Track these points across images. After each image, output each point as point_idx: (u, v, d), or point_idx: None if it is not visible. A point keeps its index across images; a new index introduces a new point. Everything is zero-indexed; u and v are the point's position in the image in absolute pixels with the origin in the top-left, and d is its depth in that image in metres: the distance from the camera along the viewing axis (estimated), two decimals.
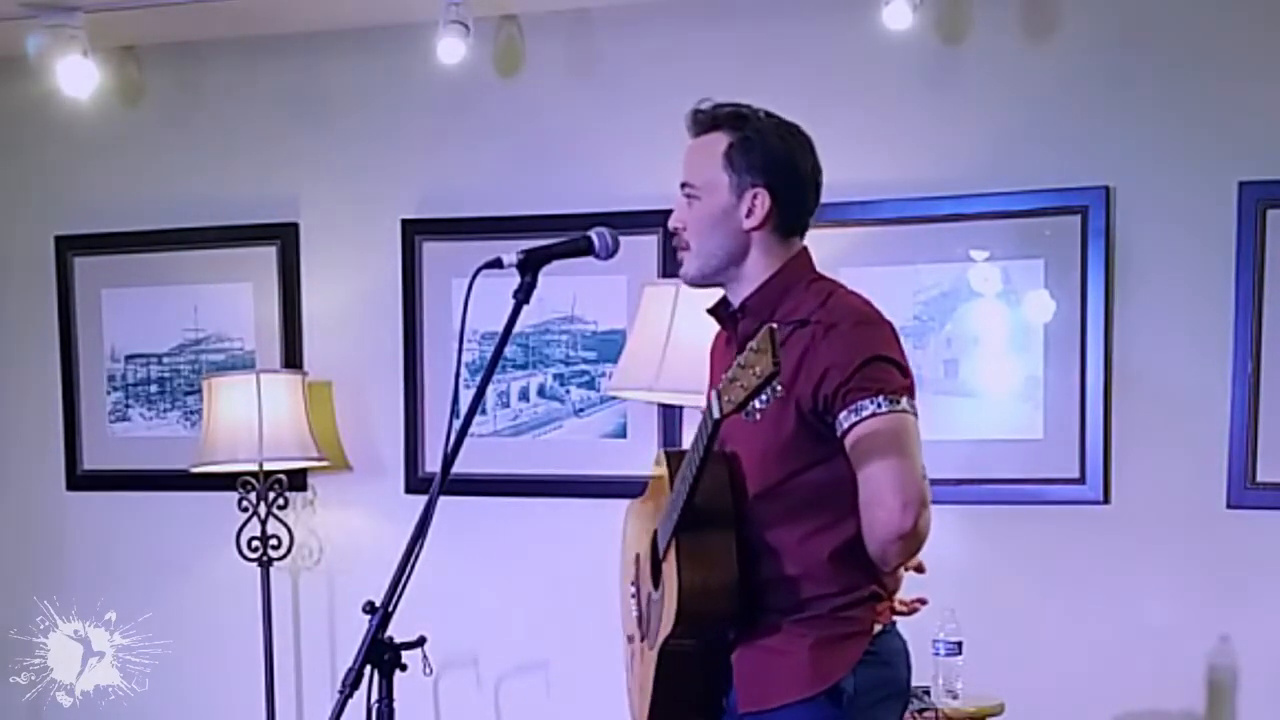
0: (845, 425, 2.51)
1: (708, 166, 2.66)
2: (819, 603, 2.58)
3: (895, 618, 2.68)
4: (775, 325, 2.25)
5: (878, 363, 2.52)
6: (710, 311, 2.78)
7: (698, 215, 2.67)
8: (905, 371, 2.57)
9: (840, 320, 2.55)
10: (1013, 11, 4.24)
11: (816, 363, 2.52)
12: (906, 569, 2.68)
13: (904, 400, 2.52)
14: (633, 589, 2.87)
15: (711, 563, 2.53)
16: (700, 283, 2.74)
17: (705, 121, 2.69)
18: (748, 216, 2.64)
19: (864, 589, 2.60)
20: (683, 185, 2.70)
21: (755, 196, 2.63)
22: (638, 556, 2.85)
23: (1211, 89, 4.08)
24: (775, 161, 2.64)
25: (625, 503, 4.54)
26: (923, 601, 2.77)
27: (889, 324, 2.61)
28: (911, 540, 2.50)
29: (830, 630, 2.57)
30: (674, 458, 2.66)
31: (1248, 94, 4.06)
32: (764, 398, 2.27)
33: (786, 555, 2.57)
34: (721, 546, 2.54)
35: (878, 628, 2.61)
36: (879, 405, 2.49)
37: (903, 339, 2.65)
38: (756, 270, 2.67)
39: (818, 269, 2.72)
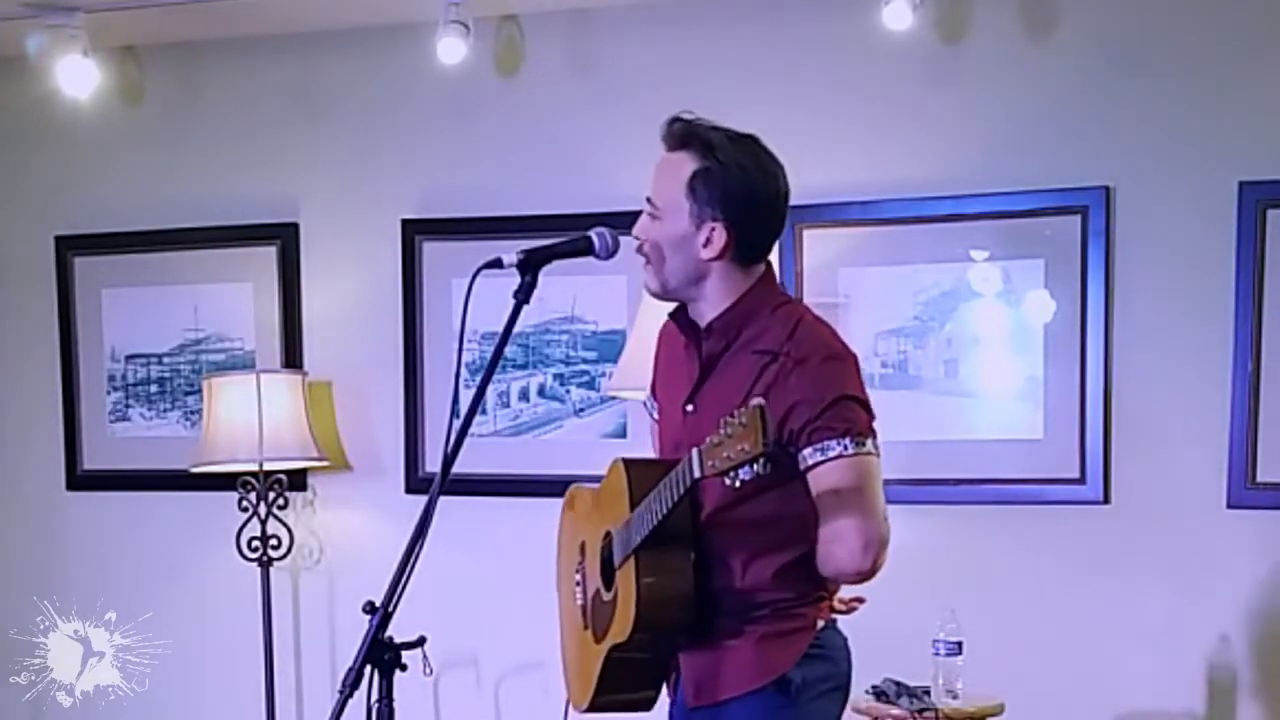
0: (810, 462, 2.55)
1: (671, 189, 2.66)
2: (766, 605, 2.64)
3: (834, 615, 2.74)
4: (764, 403, 2.27)
5: (846, 402, 2.56)
6: (672, 316, 2.80)
7: (657, 235, 2.69)
8: (869, 409, 2.61)
9: (809, 355, 2.58)
10: (1013, 11, 4.24)
11: (784, 397, 2.55)
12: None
13: (869, 442, 2.57)
14: (577, 575, 2.92)
15: (669, 581, 2.59)
16: (662, 297, 2.77)
17: (676, 137, 2.68)
18: (705, 246, 2.65)
19: (810, 594, 2.67)
20: (648, 199, 2.71)
21: (713, 229, 2.64)
22: (583, 544, 2.89)
23: (1211, 89, 4.08)
24: (736, 196, 2.63)
25: None
26: (860, 600, 2.82)
27: (854, 357, 2.66)
28: (867, 577, 2.57)
29: (775, 625, 2.64)
30: (635, 468, 2.69)
31: (1248, 94, 4.06)
32: (747, 470, 2.30)
33: (736, 571, 2.64)
34: (679, 565, 2.60)
35: (820, 623, 2.68)
36: (845, 447, 2.54)
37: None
38: (717, 295, 2.69)
39: (781, 288, 2.79)
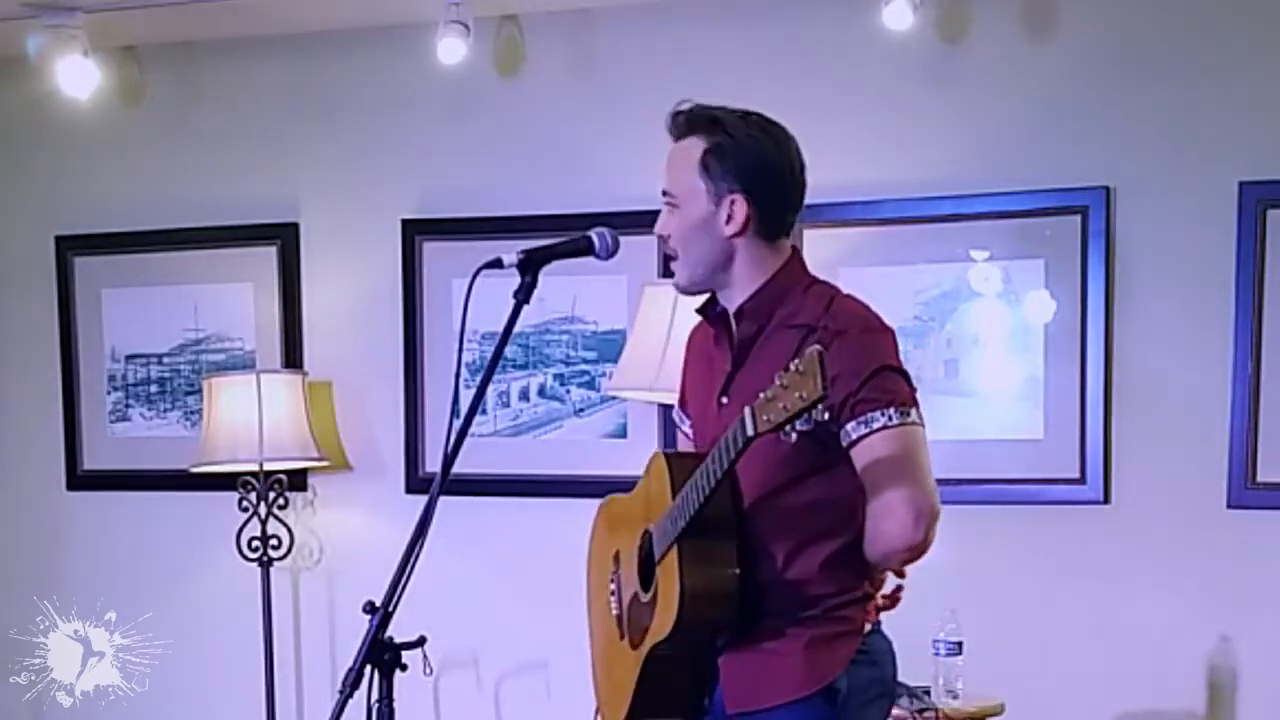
0: (854, 436, 2.50)
1: (685, 174, 2.64)
2: (813, 603, 2.57)
3: (880, 616, 2.68)
4: (822, 348, 2.23)
5: (887, 373, 2.51)
6: (699, 311, 2.76)
7: (679, 224, 2.66)
8: (910, 381, 2.56)
9: (847, 328, 2.53)
10: (1013, 11, 4.25)
11: None
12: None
13: (913, 412, 2.51)
14: (611, 586, 2.85)
15: (714, 570, 2.52)
16: (692, 290, 2.72)
17: (681, 126, 2.66)
18: (727, 223, 2.61)
19: (857, 590, 2.60)
20: (664, 194, 2.68)
21: (733, 203, 2.61)
22: (617, 554, 2.83)
23: (1211, 89, 4.08)
24: (751, 166, 2.60)
25: None
26: (900, 588, 2.76)
27: (891, 331, 2.60)
28: (919, 551, 2.50)
29: (824, 629, 2.57)
30: (674, 460, 2.64)
31: (1248, 94, 4.06)
32: (804, 420, 2.26)
33: (781, 562, 2.57)
34: (724, 554, 2.53)
35: (868, 627, 2.62)
36: (889, 418, 2.48)
37: (902, 339, 2.65)
38: (747, 276, 2.64)
39: (811, 271, 2.71)
